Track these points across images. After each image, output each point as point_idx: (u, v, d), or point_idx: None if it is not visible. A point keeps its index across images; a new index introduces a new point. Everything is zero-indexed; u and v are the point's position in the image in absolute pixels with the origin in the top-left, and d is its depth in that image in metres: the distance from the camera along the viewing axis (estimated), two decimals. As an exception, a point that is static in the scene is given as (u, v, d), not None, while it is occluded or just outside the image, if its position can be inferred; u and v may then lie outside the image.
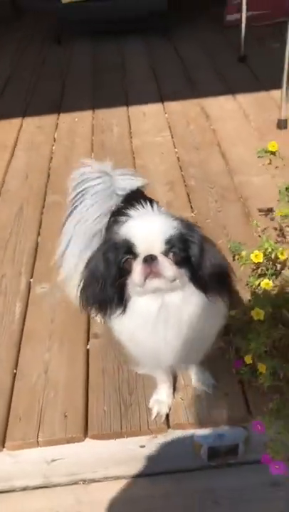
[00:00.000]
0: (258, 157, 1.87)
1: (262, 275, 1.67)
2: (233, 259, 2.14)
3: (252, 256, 1.57)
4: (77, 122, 3.52)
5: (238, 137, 3.13)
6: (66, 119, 3.59)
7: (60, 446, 1.63)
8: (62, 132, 3.43)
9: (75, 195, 1.69)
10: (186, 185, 2.72)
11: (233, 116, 3.40)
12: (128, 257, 1.22)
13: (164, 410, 1.60)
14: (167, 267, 1.19)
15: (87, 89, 4.04)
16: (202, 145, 3.09)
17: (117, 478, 1.78)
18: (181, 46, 4.72)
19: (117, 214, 1.55)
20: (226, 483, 1.74)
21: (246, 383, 1.64)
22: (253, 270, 1.70)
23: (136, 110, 3.60)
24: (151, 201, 1.56)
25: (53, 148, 3.24)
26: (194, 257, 1.24)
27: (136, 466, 1.77)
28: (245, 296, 1.82)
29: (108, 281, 1.26)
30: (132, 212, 1.35)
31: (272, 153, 1.78)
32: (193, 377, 1.66)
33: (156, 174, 2.84)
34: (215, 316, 1.36)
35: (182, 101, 3.66)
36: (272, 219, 2.38)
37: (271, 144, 1.79)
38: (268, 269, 1.63)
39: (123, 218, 1.37)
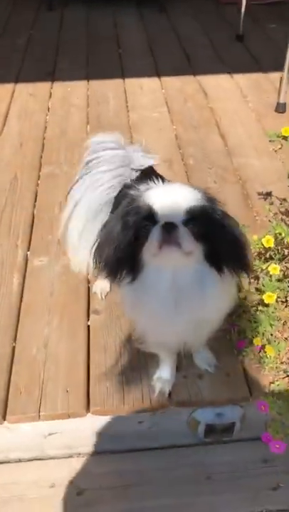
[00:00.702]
0: (270, 141, 1.87)
1: (268, 259, 1.68)
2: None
3: (263, 241, 1.57)
4: (72, 92, 3.43)
5: (237, 118, 3.11)
6: (60, 87, 3.49)
7: (58, 421, 1.63)
8: (56, 101, 3.33)
9: (89, 161, 1.64)
10: (184, 164, 2.70)
11: (231, 96, 3.37)
12: (147, 222, 1.18)
13: (167, 388, 1.61)
14: (186, 237, 1.14)
15: (81, 58, 3.92)
16: (200, 123, 3.06)
17: (112, 452, 1.80)
18: (178, 22, 4.62)
19: (129, 188, 1.51)
20: (219, 459, 1.78)
21: (248, 364, 1.67)
22: (259, 254, 1.71)
23: (133, 83, 3.53)
24: (163, 179, 1.54)
25: (47, 117, 3.15)
26: (213, 233, 1.19)
27: (131, 442, 1.79)
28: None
29: (123, 244, 1.21)
30: (149, 184, 1.31)
31: (285, 138, 1.77)
32: (195, 357, 1.67)
33: (155, 151, 2.79)
34: (226, 297, 1.34)
35: (180, 77, 3.60)
36: (271, 203, 2.39)
37: (285, 128, 1.77)
38: (275, 254, 1.63)
39: (136, 190, 1.32)
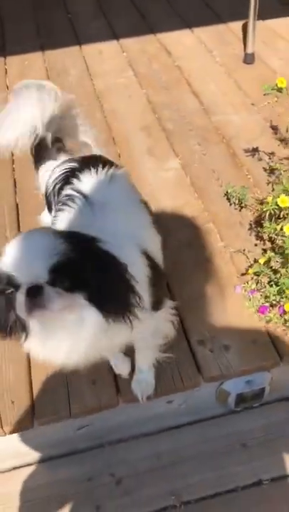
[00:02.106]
0: (264, 94, 1.78)
1: (278, 219, 1.63)
2: (230, 205, 2.10)
3: (278, 201, 1.51)
4: (28, 65, 3.21)
5: (206, 74, 2.99)
6: (14, 61, 3.26)
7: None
8: (13, 78, 3.11)
9: None
10: (163, 130, 2.58)
11: (196, 52, 3.24)
12: (9, 290, 1.05)
13: (146, 391, 1.55)
14: (54, 298, 1.02)
15: (30, 26, 3.66)
16: (170, 84, 2.93)
17: (144, 435, 1.76)
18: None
19: (71, 176, 1.44)
20: (251, 426, 1.78)
21: (272, 329, 1.64)
22: (269, 215, 1.66)
23: (90, 49, 3.33)
24: (111, 164, 1.47)
25: (8, 96, 2.93)
26: (88, 279, 1.07)
27: (162, 422, 1.76)
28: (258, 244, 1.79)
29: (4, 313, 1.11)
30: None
31: (280, 89, 1.69)
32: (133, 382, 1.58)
33: (129, 119, 2.68)
34: (117, 331, 1.18)
35: (138, 38, 3.42)
36: (259, 159, 2.33)
37: (280, 79, 1.69)
38: (288, 214, 1.58)
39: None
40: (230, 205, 2.10)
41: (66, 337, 1.11)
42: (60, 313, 1.05)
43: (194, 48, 3.29)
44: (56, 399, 1.52)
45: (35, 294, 1.01)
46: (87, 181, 1.40)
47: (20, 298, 1.02)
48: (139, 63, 3.15)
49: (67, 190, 1.40)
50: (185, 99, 2.79)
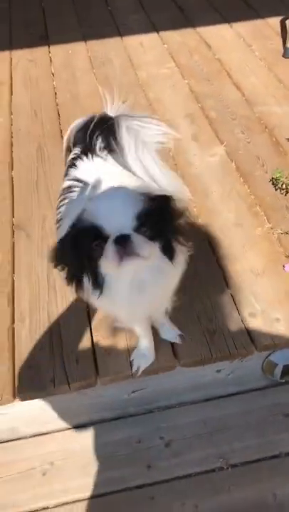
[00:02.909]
0: None
1: None
2: (276, 190, 2.18)
3: None
4: (72, 55, 3.32)
5: (246, 67, 3.07)
6: (58, 51, 3.37)
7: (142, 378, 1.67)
8: (58, 66, 3.22)
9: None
10: (206, 117, 2.67)
11: (235, 46, 3.32)
12: (97, 242, 1.11)
13: (143, 365, 1.61)
14: (141, 244, 1.09)
15: (71, 17, 3.77)
16: (212, 76, 3.01)
17: (191, 403, 1.86)
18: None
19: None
20: (293, 397, 1.86)
21: None
22: None
23: (132, 41, 3.43)
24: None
25: (54, 83, 3.05)
26: (165, 228, 1.16)
27: (209, 391, 1.85)
28: None
29: (81, 268, 1.17)
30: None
31: None
32: (161, 333, 1.68)
33: (173, 107, 2.77)
34: (175, 275, 1.31)
35: (178, 31, 3.51)
36: (302, 148, 2.41)
37: None
38: None
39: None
40: (276, 190, 2.18)
41: (145, 287, 1.20)
42: (146, 261, 1.11)
43: (233, 41, 3.37)
44: (118, 359, 1.61)
45: (124, 242, 1.08)
46: None
47: (110, 247, 1.08)
48: (180, 55, 3.24)
49: None
50: (227, 90, 2.88)
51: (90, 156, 1.53)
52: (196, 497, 1.64)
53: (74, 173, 1.53)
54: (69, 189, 1.48)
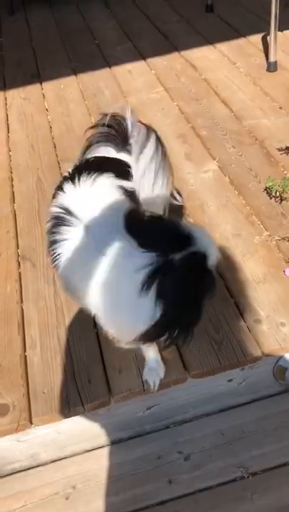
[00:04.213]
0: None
1: None
2: (270, 198, 2.23)
3: None
4: (64, 89, 3.44)
5: (233, 84, 3.17)
6: (50, 87, 3.50)
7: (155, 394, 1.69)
8: (51, 101, 3.34)
9: None
10: (198, 136, 2.75)
11: (220, 65, 3.42)
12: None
13: (158, 378, 1.62)
14: None
15: (61, 54, 3.92)
16: (200, 95, 3.11)
17: (206, 415, 1.87)
18: (144, 4, 4.63)
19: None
20: (308, 401, 1.87)
21: None
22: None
23: (120, 70, 3.55)
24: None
25: (48, 117, 3.16)
26: None
27: (223, 401, 1.86)
28: None
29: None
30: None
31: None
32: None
33: (165, 129, 2.83)
34: None
35: (164, 56, 3.64)
36: (293, 156, 2.47)
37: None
38: None
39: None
40: (271, 198, 2.23)
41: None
42: None
43: (218, 61, 3.48)
44: (129, 377, 1.64)
45: None
46: None
47: None
48: (167, 79, 3.35)
49: None
50: (215, 108, 2.97)
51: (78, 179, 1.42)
52: (219, 508, 1.64)
53: (61, 199, 1.40)
54: (57, 220, 1.37)
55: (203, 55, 3.58)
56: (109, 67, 3.62)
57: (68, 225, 1.33)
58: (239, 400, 1.87)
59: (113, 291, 1.20)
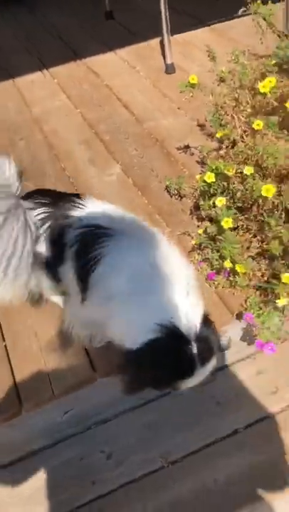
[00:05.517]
0: (180, 92, 2.03)
1: (211, 196, 1.85)
2: (171, 196, 2.32)
3: (205, 177, 1.74)
4: None
5: (133, 88, 3.25)
6: None
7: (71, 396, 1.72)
8: None
9: None
10: (101, 141, 2.80)
11: (121, 70, 3.50)
12: None
13: None
14: None
15: None
16: (102, 101, 3.16)
17: (130, 410, 1.90)
18: (43, 14, 4.65)
19: None
20: (223, 386, 1.96)
21: (221, 291, 1.85)
22: (202, 193, 1.88)
23: (23, 81, 3.54)
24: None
25: None
26: None
27: (144, 393, 1.90)
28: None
29: None
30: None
31: (193, 85, 1.94)
32: None
33: (69, 136, 2.88)
34: None
35: (66, 65, 3.67)
36: (191, 154, 2.58)
37: (191, 77, 1.94)
38: (216, 189, 1.81)
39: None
40: (171, 196, 2.32)
41: None
42: None
43: (119, 66, 3.55)
44: (39, 384, 1.66)
45: None
46: None
47: None
48: (70, 87, 3.38)
49: None
50: (117, 113, 3.03)
51: None
52: (144, 499, 1.69)
53: None
54: None
55: (104, 61, 3.64)
56: (12, 79, 3.60)
57: None
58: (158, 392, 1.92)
59: None
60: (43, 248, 1.55)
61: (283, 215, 1.66)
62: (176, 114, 2.90)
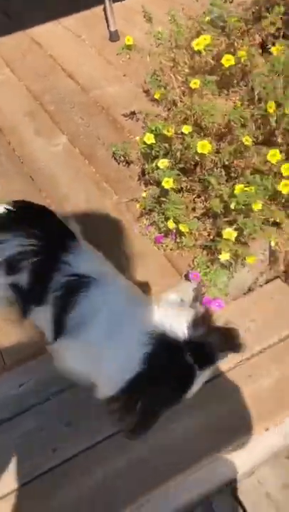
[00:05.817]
0: (117, 54, 1.99)
1: (154, 158, 1.84)
2: (118, 163, 2.30)
3: (145, 139, 1.72)
4: None
5: (78, 57, 3.18)
6: None
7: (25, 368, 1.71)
8: None
9: None
10: (46, 111, 2.74)
11: (66, 39, 3.41)
12: None
13: None
14: None
15: None
16: (46, 72, 3.08)
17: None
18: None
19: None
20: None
21: (169, 254, 1.86)
22: (144, 155, 1.86)
23: None
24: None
25: None
26: None
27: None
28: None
29: None
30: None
31: (129, 47, 1.91)
32: None
33: (13, 109, 2.81)
34: None
35: (8, 36, 3.55)
36: (137, 120, 2.56)
37: (127, 38, 1.91)
38: (158, 151, 1.80)
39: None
40: (119, 164, 2.30)
41: None
42: None
43: (63, 36, 3.46)
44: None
45: None
46: None
47: None
48: (14, 59, 3.28)
49: None
50: (62, 83, 2.96)
51: None
52: (103, 462, 1.71)
53: None
54: None
55: (48, 31, 3.54)
56: None
57: None
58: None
59: None
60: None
61: (223, 173, 1.66)
62: (121, 82, 2.86)
